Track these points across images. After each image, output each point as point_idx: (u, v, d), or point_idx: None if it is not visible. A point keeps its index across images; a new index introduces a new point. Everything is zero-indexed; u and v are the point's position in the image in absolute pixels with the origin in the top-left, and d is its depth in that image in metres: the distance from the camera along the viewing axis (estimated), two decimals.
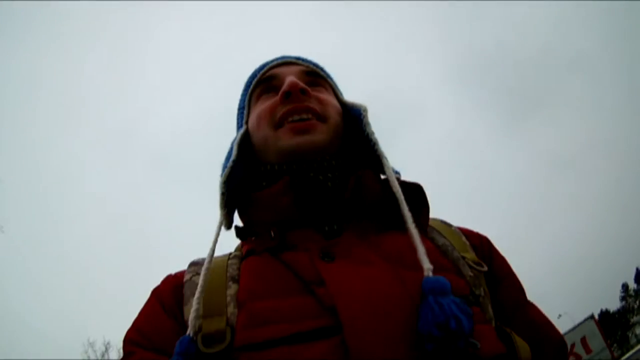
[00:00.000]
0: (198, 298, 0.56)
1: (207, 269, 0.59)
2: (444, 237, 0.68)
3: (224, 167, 0.69)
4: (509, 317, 0.64)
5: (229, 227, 0.70)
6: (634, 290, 51.31)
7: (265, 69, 0.78)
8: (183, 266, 0.69)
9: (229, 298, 0.57)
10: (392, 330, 0.48)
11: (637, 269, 51.94)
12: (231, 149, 0.70)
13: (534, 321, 0.66)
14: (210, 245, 0.63)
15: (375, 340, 0.47)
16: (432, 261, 0.55)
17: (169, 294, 0.63)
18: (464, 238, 0.70)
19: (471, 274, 0.62)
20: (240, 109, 0.81)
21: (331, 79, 0.82)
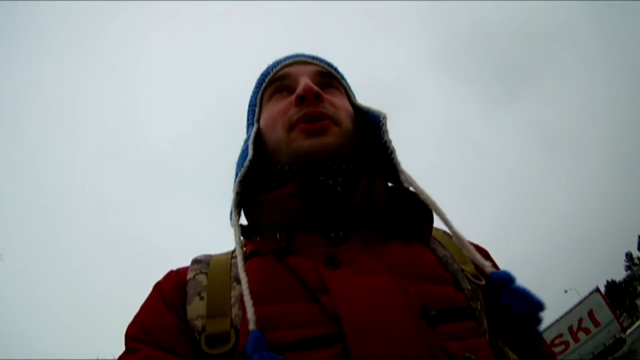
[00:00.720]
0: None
1: (244, 270, 0.58)
2: (445, 249, 0.69)
3: (239, 165, 0.69)
4: (503, 329, 0.65)
5: (238, 215, 0.69)
6: (638, 259, 51.35)
7: (279, 67, 0.77)
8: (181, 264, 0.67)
9: (233, 299, 0.57)
10: (395, 340, 0.49)
11: (639, 237, 52.00)
12: (246, 148, 0.70)
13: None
14: (234, 246, 0.63)
15: (378, 350, 0.48)
16: (432, 273, 0.58)
17: (172, 291, 0.61)
18: (464, 250, 0.69)
19: (469, 287, 0.63)
20: (252, 106, 0.80)
21: (345, 80, 0.81)
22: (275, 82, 0.75)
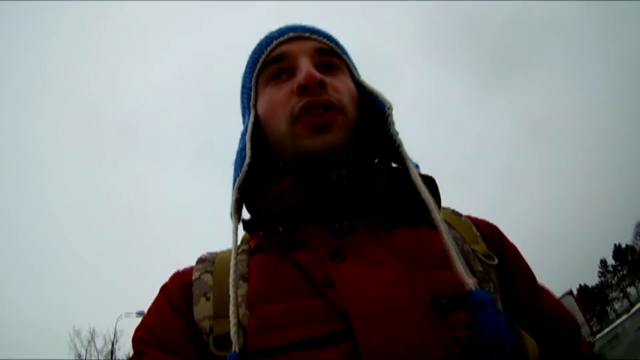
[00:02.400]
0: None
1: (235, 279, 0.57)
2: (454, 229, 0.66)
3: (237, 167, 0.65)
4: (521, 306, 0.63)
5: (239, 220, 0.66)
6: (612, 267, 52.56)
7: (274, 44, 0.69)
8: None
9: (240, 298, 0.55)
10: (405, 335, 0.47)
11: (614, 245, 53.14)
12: (244, 147, 0.64)
13: (546, 308, 0.66)
14: (232, 254, 0.60)
15: (388, 346, 0.46)
16: (442, 258, 0.55)
17: (178, 293, 0.60)
18: (474, 229, 0.68)
19: (481, 268, 0.60)
20: (246, 88, 0.73)
21: (347, 54, 0.74)
22: (271, 64, 0.68)
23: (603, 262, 53.87)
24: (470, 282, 0.53)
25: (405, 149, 0.65)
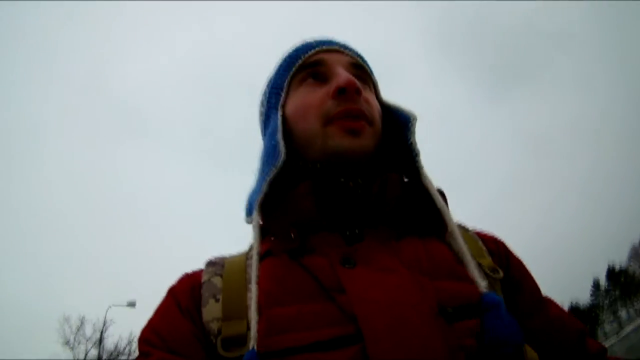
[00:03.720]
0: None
1: (256, 276, 0.58)
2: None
3: (268, 162, 0.65)
4: (526, 318, 0.63)
5: (261, 216, 0.66)
6: (605, 289, 52.50)
7: (312, 52, 0.71)
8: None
9: (249, 301, 0.56)
10: (413, 339, 0.48)
11: (608, 266, 53.10)
12: (276, 143, 0.64)
13: (551, 318, 0.67)
14: (254, 250, 0.61)
15: (396, 350, 0.47)
16: (448, 269, 0.58)
17: (186, 295, 0.61)
18: (480, 243, 0.69)
19: (486, 281, 0.61)
20: (277, 88, 0.73)
21: (373, 74, 0.77)
22: (308, 68, 0.70)
23: (596, 283, 53.85)
24: (483, 284, 0.56)
25: (421, 160, 0.68)
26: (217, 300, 0.58)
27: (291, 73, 0.71)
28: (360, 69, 0.72)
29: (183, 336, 0.56)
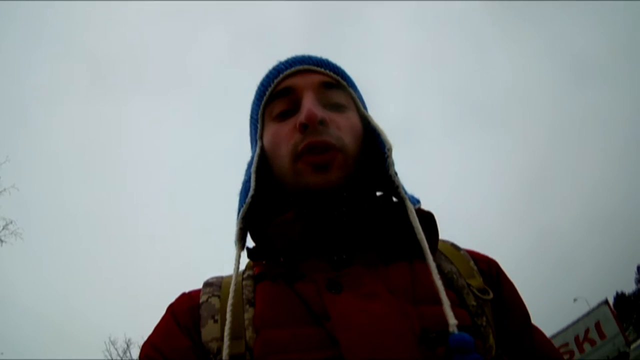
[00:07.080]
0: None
1: (233, 304, 0.60)
2: (452, 264, 0.68)
3: (242, 198, 0.67)
4: (513, 341, 0.65)
5: (242, 248, 0.69)
6: None
7: (280, 77, 0.71)
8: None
9: (247, 322, 0.58)
10: None
11: None
12: (249, 178, 0.68)
13: (536, 346, 0.68)
14: (232, 280, 0.63)
15: None
16: (434, 293, 0.57)
17: (185, 314, 0.63)
18: (472, 263, 0.69)
19: (474, 303, 0.62)
20: (253, 119, 0.76)
21: (354, 86, 0.76)
22: (277, 97, 0.71)
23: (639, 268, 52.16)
24: (453, 322, 0.54)
25: (403, 189, 0.66)
26: (215, 321, 0.60)
27: (263, 103, 0.72)
28: (334, 87, 0.71)
29: (183, 353, 0.58)
